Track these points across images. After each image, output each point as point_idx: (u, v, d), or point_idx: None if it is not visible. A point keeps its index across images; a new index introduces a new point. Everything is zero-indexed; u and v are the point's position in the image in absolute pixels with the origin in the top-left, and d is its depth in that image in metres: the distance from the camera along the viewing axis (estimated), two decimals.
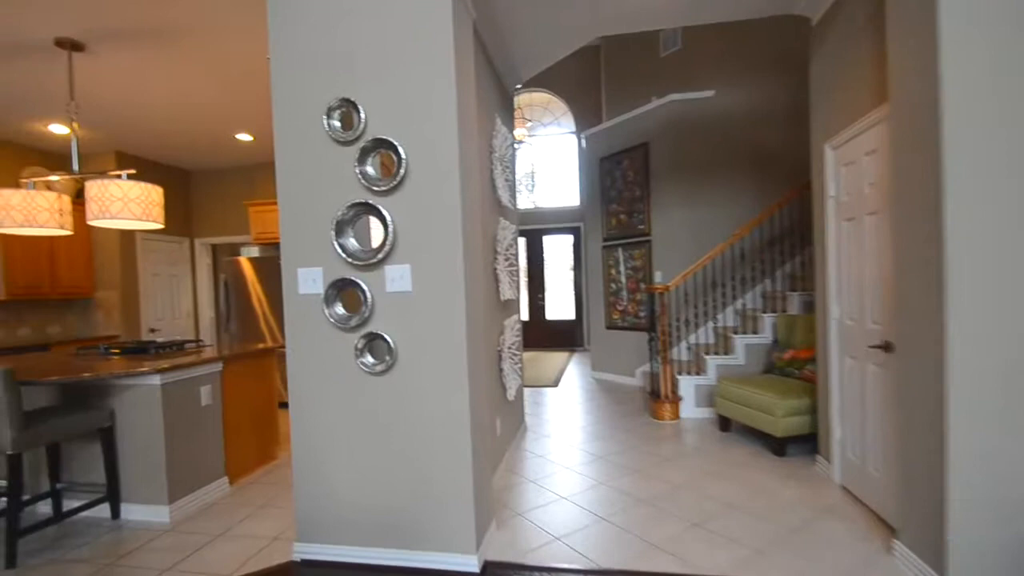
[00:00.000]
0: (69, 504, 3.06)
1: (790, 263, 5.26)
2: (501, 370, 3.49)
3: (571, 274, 9.79)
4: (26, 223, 3.25)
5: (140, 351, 3.59)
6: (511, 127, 4.28)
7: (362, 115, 2.27)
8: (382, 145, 2.27)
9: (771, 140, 5.53)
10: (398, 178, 2.24)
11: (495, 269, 3.40)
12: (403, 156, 2.23)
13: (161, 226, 3.49)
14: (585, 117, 9.21)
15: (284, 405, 5.06)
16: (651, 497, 3.03)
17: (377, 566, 2.35)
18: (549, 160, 9.91)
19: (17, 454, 2.52)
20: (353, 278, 2.32)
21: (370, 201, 2.28)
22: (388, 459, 2.37)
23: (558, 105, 9.66)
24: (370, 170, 2.30)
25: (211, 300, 7.30)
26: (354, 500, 2.40)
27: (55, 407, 2.90)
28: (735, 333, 4.85)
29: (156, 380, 2.94)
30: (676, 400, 4.69)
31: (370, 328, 2.34)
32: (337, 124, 2.31)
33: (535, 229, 9.84)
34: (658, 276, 5.87)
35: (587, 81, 9.09)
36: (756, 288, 5.46)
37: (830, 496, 2.96)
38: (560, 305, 9.93)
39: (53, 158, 5.87)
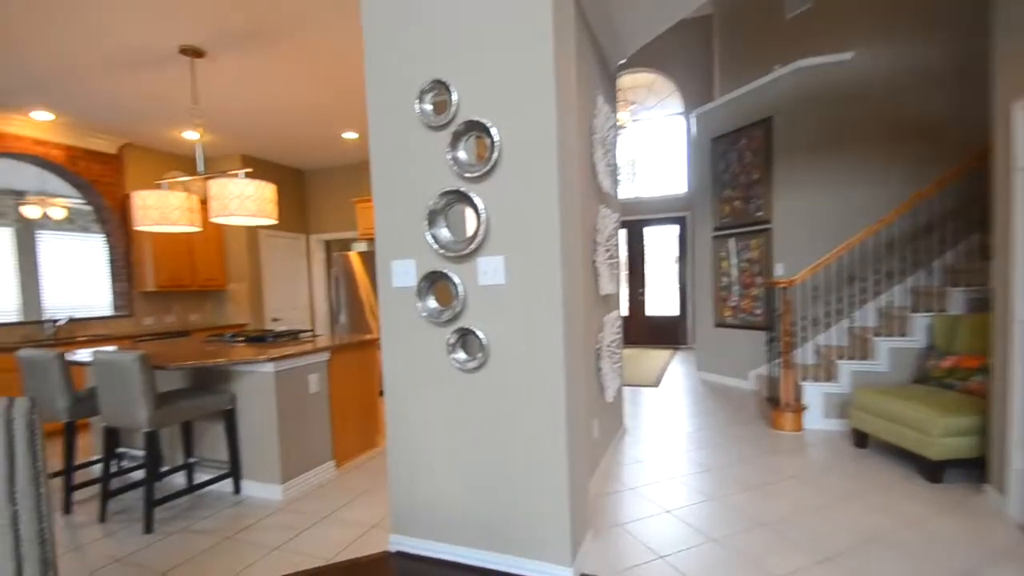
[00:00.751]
0: (200, 477, 3.36)
1: (951, 253, 4.43)
2: (599, 369, 3.27)
3: (675, 267, 9.20)
4: (161, 221, 3.60)
5: (259, 340, 3.86)
6: (614, 106, 4.00)
7: (454, 97, 2.16)
8: (474, 128, 2.15)
9: (927, 106, 4.64)
10: (491, 163, 2.11)
11: (594, 261, 3.18)
12: (496, 139, 2.09)
13: (274, 222, 3.71)
14: (694, 96, 8.55)
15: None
16: (772, 520, 2.66)
17: (470, 566, 2.27)
18: (653, 146, 9.37)
19: (152, 431, 2.77)
20: (445, 271, 2.24)
21: (462, 189, 2.17)
22: (480, 459, 2.27)
23: (663, 85, 9.06)
24: (462, 155, 2.19)
25: (325, 293, 7.80)
26: (446, 497, 2.34)
27: (186, 390, 3.17)
28: (876, 335, 4.19)
29: (270, 368, 3.11)
30: (799, 409, 4.16)
31: (462, 323, 2.25)
32: (429, 108, 2.23)
33: (636, 220, 9.38)
34: (779, 269, 5.27)
35: (696, 56, 8.43)
36: (905, 282, 4.65)
37: (1004, 536, 2.41)
38: (662, 300, 9.40)
39: (188, 162, 6.56)
